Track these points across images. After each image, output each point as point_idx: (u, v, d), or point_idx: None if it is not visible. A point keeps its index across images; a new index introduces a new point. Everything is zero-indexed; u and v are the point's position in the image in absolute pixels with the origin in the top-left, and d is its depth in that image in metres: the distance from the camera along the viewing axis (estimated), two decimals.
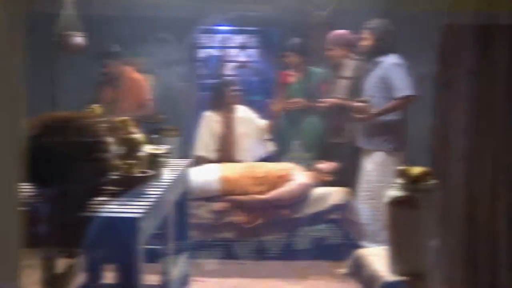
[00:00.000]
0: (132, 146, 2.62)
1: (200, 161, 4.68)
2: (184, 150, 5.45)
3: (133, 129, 2.70)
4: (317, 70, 4.89)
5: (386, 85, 4.08)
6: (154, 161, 2.75)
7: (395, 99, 4.01)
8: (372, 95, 4.19)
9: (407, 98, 3.99)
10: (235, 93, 4.82)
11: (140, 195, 2.37)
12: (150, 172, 2.55)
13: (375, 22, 4.20)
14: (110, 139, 2.63)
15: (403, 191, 2.02)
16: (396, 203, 2.02)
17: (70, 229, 2.06)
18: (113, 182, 2.42)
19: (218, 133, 4.76)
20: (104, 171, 2.15)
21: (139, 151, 2.64)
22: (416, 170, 2.03)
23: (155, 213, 2.36)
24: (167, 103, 5.48)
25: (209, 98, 5.08)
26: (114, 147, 2.65)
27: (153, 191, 2.47)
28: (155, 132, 5.45)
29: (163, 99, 5.43)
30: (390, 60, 4.07)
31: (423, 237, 1.96)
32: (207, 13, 5.63)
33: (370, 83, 4.22)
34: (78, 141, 2.02)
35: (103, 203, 2.19)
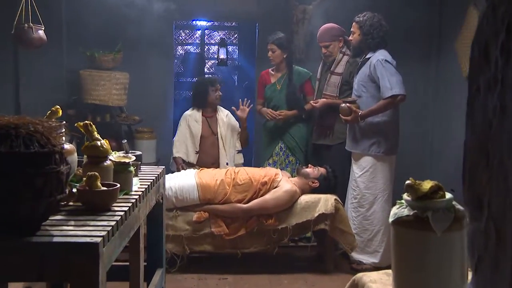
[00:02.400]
0: (95, 155, 2.29)
1: (179, 163, 4.37)
2: (161, 154, 5.18)
3: (97, 134, 2.36)
4: (301, 69, 4.62)
5: (373, 84, 3.81)
6: (123, 171, 2.42)
7: (383, 99, 3.73)
8: (359, 95, 3.92)
9: (394, 98, 3.71)
10: (218, 93, 4.51)
11: (104, 213, 2.03)
12: (117, 185, 2.21)
13: (364, 16, 3.92)
14: (68, 147, 2.32)
15: (410, 209, 1.71)
16: (401, 223, 1.72)
17: (18, 258, 1.71)
18: (71, 198, 2.11)
19: (199, 134, 4.46)
20: (59, 186, 1.80)
21: (103, 160, 2.30)
22: (426, 184, 1.73)
23: (122, 234, 2.03)
24: (143, 102, 5.19)
25: (191, 96, 4.79)
26: (73, 157, 2.33)
27: (121, 207, 2.14)
28: (129, 134, 5.17)
29: (138, 98, 5.13)
30: (378, 57, 3.79)
31: (435, 265, 1.65)
32: (184, 7, 5.35)
33: (358, 82, 3.95)
34: (24, 152, 1.68)
35: (58, 224, 1.86)
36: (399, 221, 1.76)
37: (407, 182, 1.74)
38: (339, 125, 4.23)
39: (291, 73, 4.56)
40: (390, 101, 3.72)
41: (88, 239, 1.73)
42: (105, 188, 2.13)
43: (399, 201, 1.83)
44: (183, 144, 4.50)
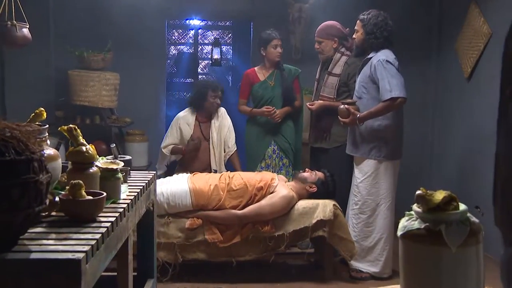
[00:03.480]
0: (80, 161, 2.14)
1: (167, 162, 4.29)
2: (153, 157, 5.03)
3: (82, 139, 2.21)
4: (290, 66, 4.48)
5: (374, 85, 3.67)
6: (110, 178, 2.27)
7: (382, 101, 3.59)
8: (360, 96, 3.78)
9: (394, 100, 3.55)
10: (217, 100, 4.40)
11: (89, 224, 1.88)
12: (103, 193, 2.05)
13: (368, 14, 3.77)
14: (52, 152, 2.16)
15: (421, 222, 1.57)
16: (412, 236, 1.57)
17: None
18: (53, 208, 1.95)
19: (188, 137, 4.34)
20: (38, 197, 1.64)
21: (89, 166, 2.15)
22: (438, 195, 1.58)
23: (108, 247, 1.88)
24: (134, 104, 5.05)
25: (189, 97, 4.65)
26: (57, 163, 2.18)
27: (107, 217, 1.98)
28: (120, 137, 5.02)
29: (129, 99, 4.99)
30: (379, 57, 3.64)
31: (449, 283, 1.51)
32: (177, 6, 5.22)
33: (359, 82, 3.80)
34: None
35: (37, 238, 1.71)
36: (409, 235, 1.62)
37: (418, 192, 1.60)
38: (337, 128, 4.09)
39: (283, 69, 4.41)
40: (389, 104, 3.57)
41: (69, 255, 1.58)
42: (90, 197, 1.97)
43: (408, 212, 1.68)
44: (173, 144, 4.46)
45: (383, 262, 3.76)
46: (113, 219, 1.99)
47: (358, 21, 3.82)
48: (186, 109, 4.54)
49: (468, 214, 1.62)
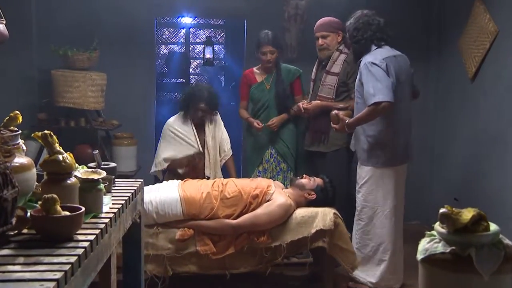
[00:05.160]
0: (56, 171, 1.90)
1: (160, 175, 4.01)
2: (142, 161, 4.82)
3: (59, 147, 1.97)
4: (291, 66, 4.29)
5: (363, 89, 3.47)
6: (90, 190, 2.04)
7: (367, 106, 3.38)
8: (357, 101, 3.58)
9: (377, 105, 3.33)
10: (198, 110, 4.11)
11: (64, 244, 1.65)
12: (82, 208, 1.82)
13: (350, 19, 3.64)
14: (25, 161, 1.92)
15: (446, 245, 1.34)
16: (435, 261, 1.34)
17: None
18: (24, 225, 1.72)
19: (184, 145, 4.06)
20: (2, 216, 1.41)
21: (66, 177, 1.92)
22: (466, 213, 1.36)
23: (86, 269, 1.65)
24: (122, 105, 4.83)
25: (180, 102, 4.30)
26: (30, 173, 1.94)
27: (86, 235, 1.75)
28: (107, 140, 4.79)
29: (117, 101, 4.77)
30: (367, 59, 3.45)
31: None
32: (167, 3, 5.02)
33: (355, 86, 3.61)
34: None
35: (2, 263, 1.48)
36: (432, 259, 1.40)
37: (442, 210, 1.38)
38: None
39: (280, 70, 4.21)
40: (373, 109, 3.35)
41: (37, 286, 1.34)
42: (66, 213, 1.74)
43: (429, 232, 1.46)
44: (166, 155, 4.09)
45: (379, 274, 3.56)
46: (92, 237, 1.76)
47: (346, 30, 3.71)
48: (177, 114, 4.26)
49: (501, 236, 1.41)
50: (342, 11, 4.19)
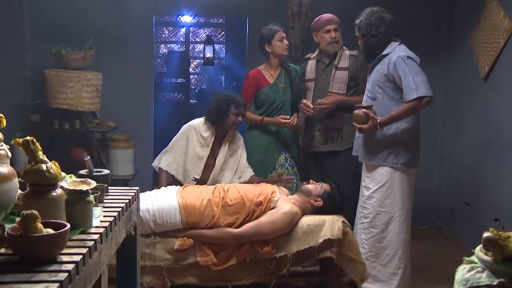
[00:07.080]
0: (38, 182, 1.71)
1: (162, 178, 3.74)
2: (140, 165, 4.65)
3: (42, 155, 1.77)
4: (296, 67, 4.10)
5: (391, 84, 3.28)
6: (78, 202, 1.85)
7: (407, 101, 3.19)
8: (374, 97, 3.39)
9: (420, 100, 3.17)
10: (239, 118, 3.82)
11: (45, 267, 1.47)
12: (66, 225, 1.62)
13: (360, 16, 3.49)
14: (5, 171, 1.73)
15: (492, 275, 1.14)
16: None
17: None
18: (1, 245, 1.53)
19: (198, 154, 3.80)
20: None
21: (51, 188, 1.72)
22: None
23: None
24: (119, 106, 4.66)
25: (212, 110, 3.84)
26: (11, 183, 1.74)
27: (71, 255, 1.56)
28: (103, 143, 4.63)
29: (113, 102, 4.60)
30: (399, 53, 3.27)
31: None
32: (166, 0, 4.86)
33: (373, 82, 3.41)
34: None
35: None
36: None
37: (487, 234, 1.18)
38: (348, 127, 3.78)
39: (289, 67, 4.04)
40: (415, 104, 3.19)
41: None
42: (48, 231, 1.54)
43: (467, 259, 1.26)
44: (175, 158, 3.78)
45: (397, 281, 3.35)
46: (78, 257, 1.56)
47: (356, 28, 3.53)
48: (202, 119, 3.90)
49: None
50: (349, 8, 4.02)
